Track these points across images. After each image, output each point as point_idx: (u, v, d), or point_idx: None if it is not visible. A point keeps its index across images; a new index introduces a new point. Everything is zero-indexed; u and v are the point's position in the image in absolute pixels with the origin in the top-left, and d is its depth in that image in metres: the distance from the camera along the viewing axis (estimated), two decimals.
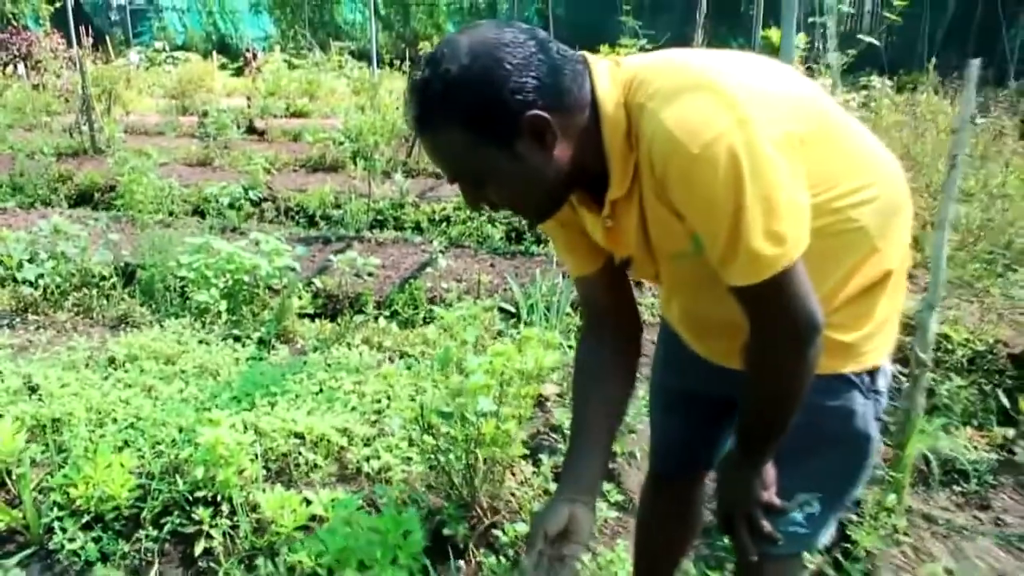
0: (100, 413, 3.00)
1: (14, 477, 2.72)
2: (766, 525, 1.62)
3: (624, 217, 1.45)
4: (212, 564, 2.54)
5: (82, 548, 2.59)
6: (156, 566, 2.58)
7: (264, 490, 2.66)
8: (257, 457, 2.77)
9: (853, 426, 1.62)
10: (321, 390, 3.21)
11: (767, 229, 1.26)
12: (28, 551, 2.64)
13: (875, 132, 1.63)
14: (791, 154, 1.30)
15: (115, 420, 2.98)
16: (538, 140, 1.31)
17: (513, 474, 2.80)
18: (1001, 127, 6.24)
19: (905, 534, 2.68)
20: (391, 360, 3.69)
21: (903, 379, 2.81)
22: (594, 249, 1.59)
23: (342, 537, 1.84)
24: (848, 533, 2.62)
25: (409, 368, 3.42)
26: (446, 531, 2.51)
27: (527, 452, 2.92)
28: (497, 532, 2.55)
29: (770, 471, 1.61)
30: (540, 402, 3.32)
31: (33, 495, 2.68)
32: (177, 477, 2.70)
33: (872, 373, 1.61)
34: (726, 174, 1.23)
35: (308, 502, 2.61)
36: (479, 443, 2.51)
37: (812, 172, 1.35)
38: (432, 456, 2.58)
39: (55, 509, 2.68)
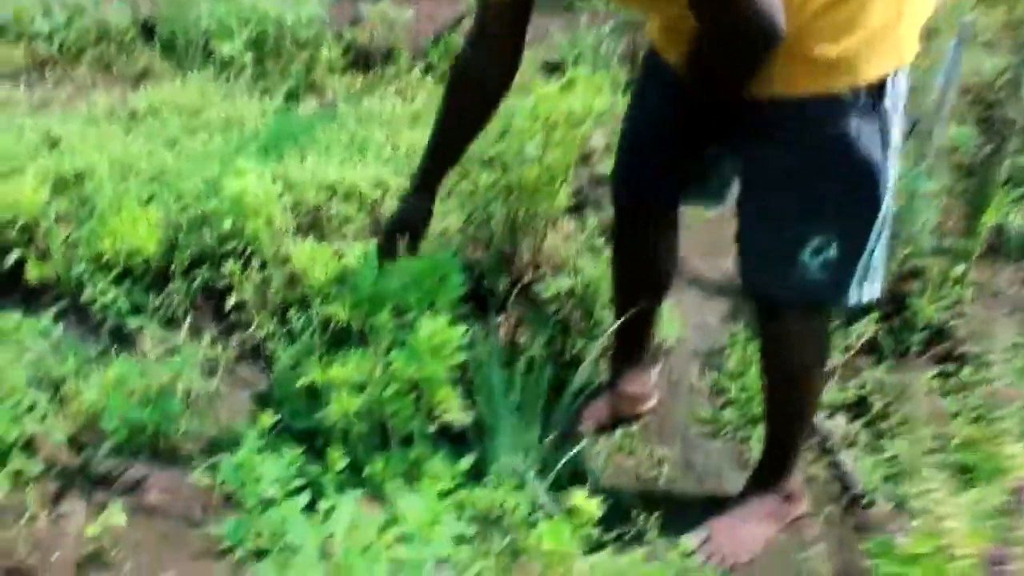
0: (123, 166, 2.84)
1: (41, 231, 2.62)
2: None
3: None
4: (244, 317, 2.47)
5: (114, 301, 2.53)
6: (188, 319, 2.52)
7: (295, 242, 2.53)
8: (287, 209, 2.63)
9: (854, 153, 1.46)
10: (352, 142, 3.01)
11: None
12: (62, 304, 2.60)
13: None
14: None
15: (138, 174, 2.83)
16: None
17: (555, 229, 2.63)
18: None
19: (968, 307, 2.49)
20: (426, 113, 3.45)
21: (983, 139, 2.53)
22: None
23: (375, 282, 1.70)
24: (908, 303, 2.44)
25: None
26: (484, 284, 2.38)
27: (571, 206, 2.74)
28: (537, 288, 2.42)
29: None
30: (585, 156, 3.08)
31: (61, 249, 2.60)
32: (204, 230, 2.58)
33: (876, 89, 1.42)
34: None
35: (340, 256, 2.48)
36: (521, 192, 2.32)
37: None
38: (470, 206, 2.40)
39: (84, 263, 2.60)
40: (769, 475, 1.94)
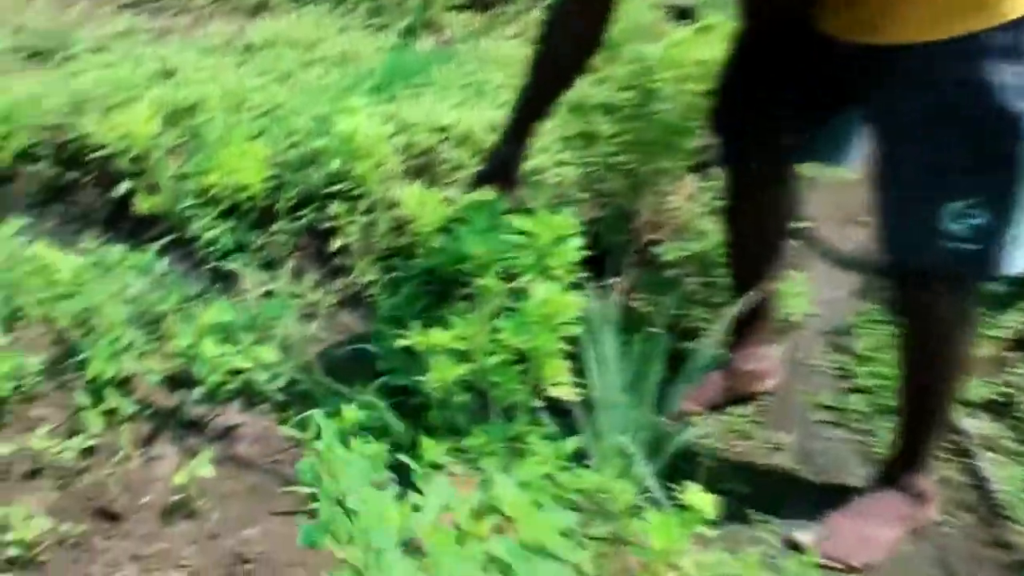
0: (235, 99, 2.78)
1: (152, 162, 2.58)
2: None
3: None
4: (346, 262, 2.37)
5: (217, 239, 2.47)
6: (291, 259, 2.45)
7: (403, 187, 2.41)
8: (397, 151, 2.50)
9: (995, 101, 1.28)
10: (470, 83, 2.86)
11: None
12: (167, 238, 2.56)
13: None
14: None
15: (250, 108, 2.76)
16: None
17: (679, 186, 2.42)
18: None
19: None
20: None
21: None
22: None
23: (484, 239, 1.54)
24: None
25: None
26: (601, 242, 2.21)
27: (697, 163, 2.52)
28: (657, 251, 2.23)
29: None
30: None
31: (170, 182, 2.55)
32: (312, 169, 2.48)
33: (1018, 28, 1.25)
34: None
35: (450, 203, 2.35)
36: (646, 145, 2.13)
37: None
38: (590, 158, 2.22)
39: (190, 197, 2.55)
40: (899, 471, 1.73)
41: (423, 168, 2.56)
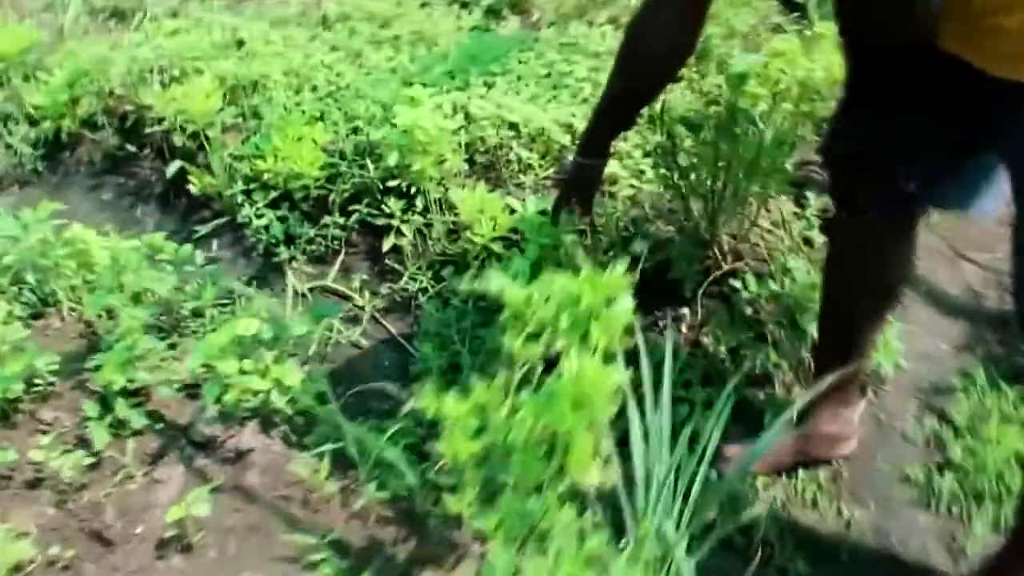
0: (299, 77, 2.63)
1: (210, 140, 2.46)
2: None
3: None
4: (397, 265, 2.20)
5: (268, 227, 2.34)
6: (342, 255, 2.30)
7: (464, 186, 2.22)
8: (460, 147, 2.31)
9: None
10: (549, 74, 2.64)
11: None
12: (219, 221, 2.45)
13: None
14: None
15: (314, 88, 2.61)
16: None
17: (767, 211, 2.14)
18: None
19: None
20: None
21: None
22: None
23: (525, 284, 1.29)
24: None
25: None
26: (672, 273, 1.98)
27: (789, 181, 2.23)
28: (735, 283, 1.97)
29: None
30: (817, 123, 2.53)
31: (226, 162, 2.43)
32: (368, 161, 2.31)
33: None
34: None
35: (512, 210, 2.15)
36: (734, 166, 1.87)
37: None
38: (668, 173, 1.99)
39: (243, 182, 2.42)
40: None
41: (488, 167, 2.36)
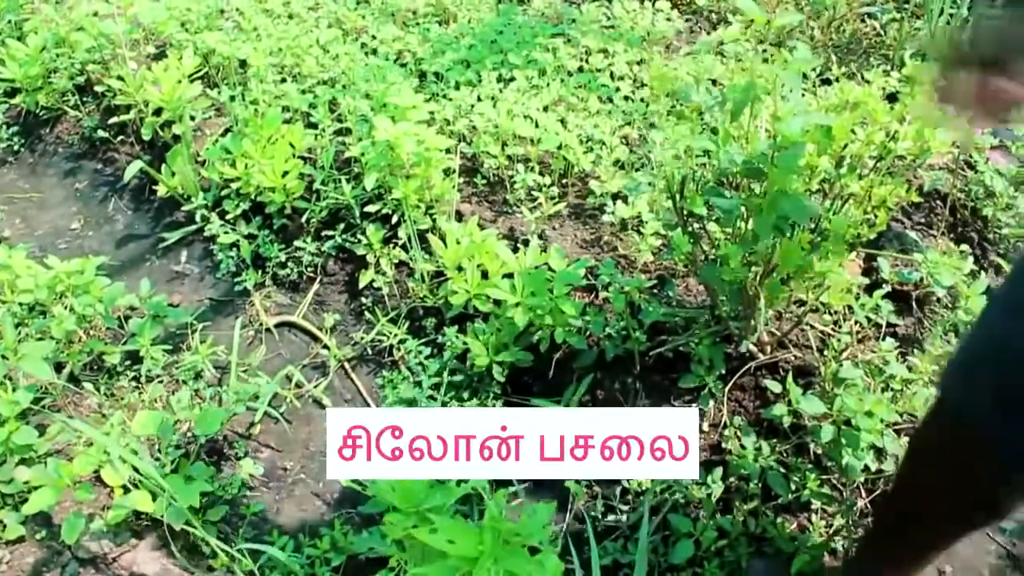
0: (289, 55, 2.27)
1: (177, 139, 2.14)
2: None
3: None
4: (373, 304, 1.86)
5: (234, 244, 2.03)
6: (315, 285, 1.97)
7: (459, 213, 1.85)
8: (454, 170, 1.94)
9: None
10: (581, 68, 2.20)
11: None
12: (190, 228, 2.14)
13: None
14: None
15: (302, 75, 2.25)
16: None
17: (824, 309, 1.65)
18: None
19: None
20: (700, 29, 2.53)
21: None
22: None
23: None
24: None
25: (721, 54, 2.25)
26: (691, 376, 1.58)
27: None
28: (769, 383, 1.54)
29: None
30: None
31: (188, 165, 2.10)
32: (346, 180, 1.96)
33: None
34: None
35: (515, 246, 1.78)
36: (768, 269, 1.43)
37: None
38: (688, 263, 1.58)
39: (213, 190, 2.10)
40: None
41: (491, 186, 1.98)
